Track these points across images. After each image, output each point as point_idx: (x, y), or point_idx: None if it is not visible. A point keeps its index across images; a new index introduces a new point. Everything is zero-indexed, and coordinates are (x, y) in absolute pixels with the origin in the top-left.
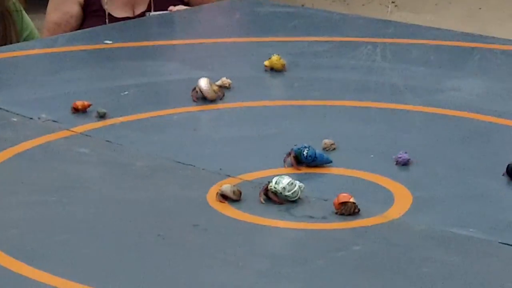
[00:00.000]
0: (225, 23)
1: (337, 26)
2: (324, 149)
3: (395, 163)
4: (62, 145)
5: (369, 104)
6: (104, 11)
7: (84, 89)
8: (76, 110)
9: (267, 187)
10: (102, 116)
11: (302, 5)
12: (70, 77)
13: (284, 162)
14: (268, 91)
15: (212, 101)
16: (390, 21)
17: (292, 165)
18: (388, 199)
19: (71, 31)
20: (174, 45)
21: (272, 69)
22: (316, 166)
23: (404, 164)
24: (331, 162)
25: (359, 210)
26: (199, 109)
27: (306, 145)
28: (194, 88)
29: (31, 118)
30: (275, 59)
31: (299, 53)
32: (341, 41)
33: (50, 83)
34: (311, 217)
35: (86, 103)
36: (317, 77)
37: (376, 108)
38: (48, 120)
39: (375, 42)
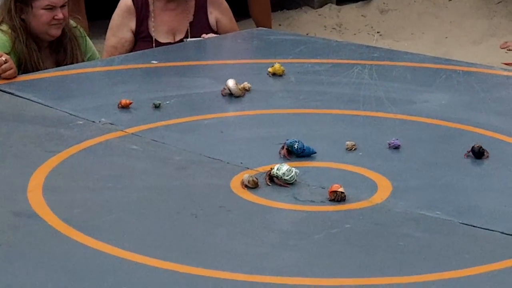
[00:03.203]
0: (245, 47)
1: (334, 51)
2: (346, 149)
3: (388, 147)
4: (117, 143)
5: (358, 113)
6: (151, 37)
7: (135, 99)
8: (121, 106)
9: (270, 172)
10: (157, 107)
11: (307, 34)
12: (124, 90)
13: (279, 153)
14: (279, 101)
15: (237, 97)
16: (375, 47)
17: (284, 156)
18: (373, 187)
19: (125, 53)
20: (205, 65)
21: (275, 74)
22: (304, 156)
23: (396, 147)
24: (315, 153)
25: (345, 197)
26: (225, 115)
27: (296, 139)
28: (224, 87)
29: (93, 121)
30: (277, 67)
31: (303, 72)
32: (336, 63)
33: (108, 94)
34: (312, 201)
35: (128, 101)
36: (317, 90)
37: (364, 116)
38: (107, 123)
39: (364, 64)
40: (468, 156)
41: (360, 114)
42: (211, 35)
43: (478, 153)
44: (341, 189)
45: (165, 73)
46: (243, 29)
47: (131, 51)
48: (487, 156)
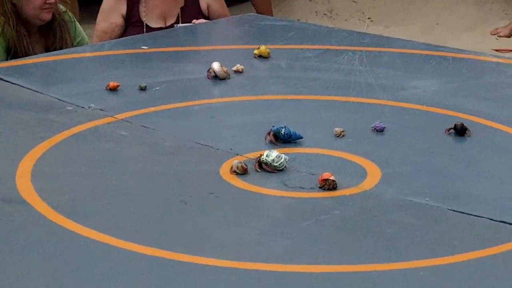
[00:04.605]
0: (236, 33)
1: (325, 37)
2: (335, 135)
3: (373, 129)
4: (106, 129)
5: (349, 99)
6: (142, 22)
7: (125, 84)
8: (109, 88)
9: (259, 159)
10: (143, 89)
11: (298, 20)
12: (114, 75)
13: (265, 139)
14: (269, 87)
15: (223, 79)
16: (366, 33)
17: (271, 142)
18: (362, 174)
19: (115, 38)
20: (196, 50)
21: (261, 56)
22: (291, 141)
23: (381, 130)
24: (302, 138)
25: (336, 185)
26: (215, 101)
27: (282, 125)
28: (209, 70)
29: (82, 107)
30: (263, 49)
31: (294, 58)
32: (327, 49)
33: (98, 80)
34: (301, 187)
35: (116, 83)
36: (308, 76)
37: (354, 102)
38: (96, 109)
39: (354, 50)
40: (449, 133)
41: (350, 100)
42: (201, 20)
43: (460, 130)
44: (332, 177)
45: (155, 59)
46: (237, 14)
47: (121, 36)
48: (469, 134)
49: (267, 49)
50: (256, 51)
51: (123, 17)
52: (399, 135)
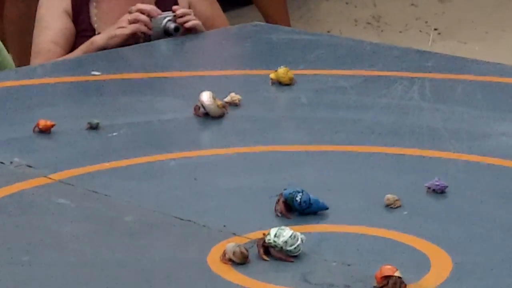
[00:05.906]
0: (234, 51)
1: (367, 58)
2: (387, 205)
3: (428, 189)
4: (38, 195)
5: (403, 151)
6: (93, 30)
7: (66, 128)
8: (39, 129)
9: (264, 241)
10: (94, 128)
11: (328, 31)
12: (50, 114)
13: (275, 210)
14: (283, 133)
15: (216, 117)
16: (430, 52)
17: (281, 213)
18: (423, 264)
19: (69, 51)
20: (173, 77)
21: (280, 83)
22: (310, 213)
23: (441, 191)
24: (327, 208)
25: (405, 285)
26: (201, 153)
27: (299, 189)
28: (197, 105)
29: (2, 163)
30: (281, 72)
31: (320, 89)
32: (371, 76)
33: (25, 121)
34: (331, 285)
35: (49, 122)
36: (341, 117)
37: (411, 156)
38: (22, 165)
39: (412, 77)
40: None
41: (405, 153)
42: (187, 11)
43: None
44: (397, 273)
45: (111, 90)
46: (237, 23)
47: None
48: None
49: (289, 73)
50: (272, 75)
51: (70, 17)
52: (477, 206)
